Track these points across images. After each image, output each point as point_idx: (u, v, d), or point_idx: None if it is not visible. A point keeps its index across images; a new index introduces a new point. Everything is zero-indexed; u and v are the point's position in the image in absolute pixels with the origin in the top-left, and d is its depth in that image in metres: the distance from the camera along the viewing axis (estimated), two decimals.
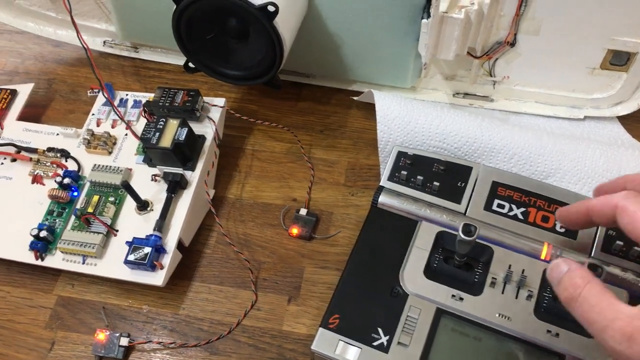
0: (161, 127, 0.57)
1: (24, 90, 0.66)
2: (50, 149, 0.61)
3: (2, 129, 0.64)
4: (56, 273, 0.57)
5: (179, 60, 0.72)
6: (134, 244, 0.53)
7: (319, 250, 0.58)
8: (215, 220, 0.59)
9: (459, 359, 0.47)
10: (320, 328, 0.49)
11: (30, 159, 0.61)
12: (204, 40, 0.59)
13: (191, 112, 0.60)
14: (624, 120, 0.66)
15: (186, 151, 0.57)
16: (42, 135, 0.63)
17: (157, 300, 0.56)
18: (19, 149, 0.61)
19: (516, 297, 0.49)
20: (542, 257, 0.52)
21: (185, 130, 0.57)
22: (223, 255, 0.58)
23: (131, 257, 0.53)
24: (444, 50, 0.61)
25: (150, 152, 0.57)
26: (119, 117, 0.62)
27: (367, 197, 0.62)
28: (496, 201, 0.55)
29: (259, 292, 0.56)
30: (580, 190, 0.57)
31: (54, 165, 0.60)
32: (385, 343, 0.48)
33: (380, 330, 0.48)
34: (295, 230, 0.59)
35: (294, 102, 0.69)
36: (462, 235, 0.47)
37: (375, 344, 0.48)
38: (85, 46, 0.63)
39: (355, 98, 0.67)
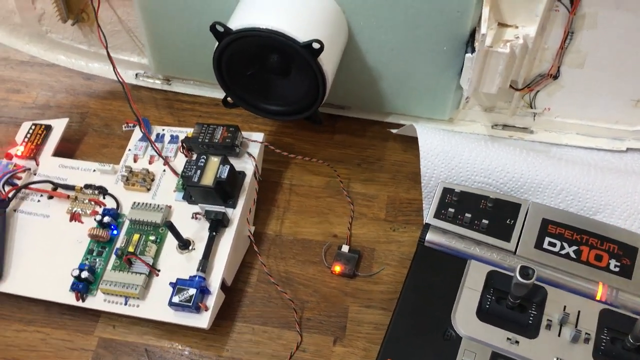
0: (202, 164, 0.56)
1: (59, 126, 0.66)
2: (87, 186, 0.60)
3: (37, 165, 0.63)
4: (97, 314, 0.56)
5: (212, 92, 0.72)
6: (178, 285, 0.52)
7: (363, 289, 0.57)
8: (255, 258, 0.58)
9: None
10: None
11: (68, 197, 0.60)
12: (244, 76, 0.58)
13: (231, 148, 0.59)
14: None
15: (227, 189, 0.56)
16: (79, 172, 0.62)
17: (200, 342, 0.54)
18: (56, 185, 0.60)
19: (573, 340, 0.48)
20: (598, 297, 0.50)
21: (227, 168, 0.56)
22: (265, 294, 0.57)
23: (176, 299, 0.51)
24: (487, 83, 0.60)
25: (192, 190, 0.57)
26: (157, 153, 0.61)
27: (409, 232, 0.61)
28: (547, 239, 0.53)
29: (304, 333, 0.54)
30: (631, 226, 0.56)
31: (92, 203, 0.59)
32: None
33: None
34: (338, 268, 0.58)
35: (330, 135, 0.68)
36: (520, 278, 0.46)
37: None
38: (122, 81, 0.62)
39: (394, 131, 0.66)
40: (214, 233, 0.55)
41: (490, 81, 0.60)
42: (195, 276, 0.53)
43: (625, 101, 0.63)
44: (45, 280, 0.55)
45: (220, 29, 0.54)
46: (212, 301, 0.52)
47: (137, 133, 0.64)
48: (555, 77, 0.61)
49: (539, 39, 0.58)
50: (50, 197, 0.60)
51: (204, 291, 0.52)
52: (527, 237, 0.53)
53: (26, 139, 0.64)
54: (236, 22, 0.54)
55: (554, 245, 0.53)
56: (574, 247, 0.53)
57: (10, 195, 0.59)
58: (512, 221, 0.54)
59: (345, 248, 0.59)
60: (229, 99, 0.61)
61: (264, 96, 0.60)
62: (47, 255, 0.57)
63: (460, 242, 0.54)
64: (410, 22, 0.58)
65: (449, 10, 0.56)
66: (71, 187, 0.60)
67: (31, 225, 0.59)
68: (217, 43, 0.55)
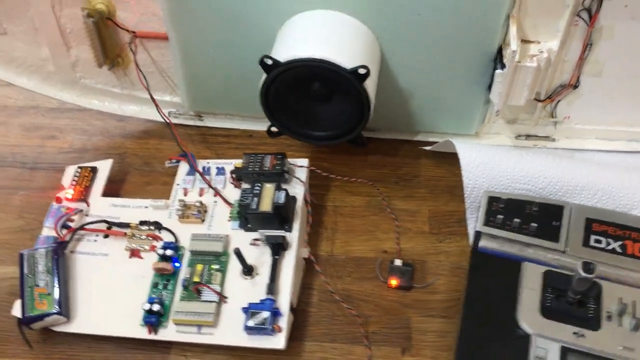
0: (257, 192, 0.58)
1: (104, 167, 0.67)
2: (142, 222, 0.62)
3: (88, 206, 0.64)
4: (168, 345, 0.57)
5: (244, 124, 0.75)
6: (251, 310, 0.54)
7: (421, 299, 0.59)
8: (313, 279, 0.61)
9: None
10: None
11: (125, 234, 0.61)
12: (288, 105, 0.61)
13: (281, 175, 0.61)
14: None
15: (284, 213, 0.58)
16: (130, 209, 0.64)
17: None
18: (111, 224, 0.62)
19: (634, 329, 0.51)
20: None
21: (283, 193, 0.58)
22: (329, 312, 0.59)
23: (251, 323, 0.53)
24: (515, 96, 0.64)
25: (250, 217, 0.58)
26: (208, 185, 0.63)
27: (455, 242, 0.64)
28: (592, 237, 0.57)
29: (372, 346, 0.56)
30: None
31: (149, 238, 0.61)
32: None
33: None
34: (394, 282, 0.60)
35: (364, 157, 0.71)
36: (583, 273, 0.49)
37: None
38: (168, 120, 0.65)
39: (427, 148, 0.69)
40: (276, 257, 0.57)
41: (519, 94, 0.63)
42: (265, 299, 0.54)
43: None
44: (113, 317, 0.56)
45: (268, 62, 0.56)
46: (284, 322, 0.54)
47: (183, 168, 0.66)
48: (575, 86, 0.65)
49: (561, 52, 0.62)
50: (106, 236, 0.62)
51: (275, 313, 0.54)
52: (574, 236, 0.57)
53: (74, 182, 0.65)
54: (282, 55, 0.57)
55: (599, 242, 0.56)
56: (619, 242, 0.56)
57: (68, 237, 0.60)
58: (558, 222, 0.58)
59: (398, 262, 0.61)
60: (272, 128, 0.64)
61: (308, 123, 0.62)
62: (112, 293, 0.58)
63: (513, 246, 0.57)
64: (441, 45, 0.61)
65: (478, 30, 0.60)
66: (126, 225, 0.62)
67: (91, 265, 0.60)
68: (264, 76, 0.58)
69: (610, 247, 0.56)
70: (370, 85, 0.58)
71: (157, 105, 0.66)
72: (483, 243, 0.57)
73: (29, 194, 0.69)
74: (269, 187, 0.58)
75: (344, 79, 0.56)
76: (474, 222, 0.63)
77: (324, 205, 0.67)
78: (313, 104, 0.61)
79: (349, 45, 0.57)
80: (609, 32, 0.60)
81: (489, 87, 0.65)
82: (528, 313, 0.52)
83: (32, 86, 0.72)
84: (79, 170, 0.66)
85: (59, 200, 0.64)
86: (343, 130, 0.62)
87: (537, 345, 0.51)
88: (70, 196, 0.64)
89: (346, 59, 0.56)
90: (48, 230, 0.62)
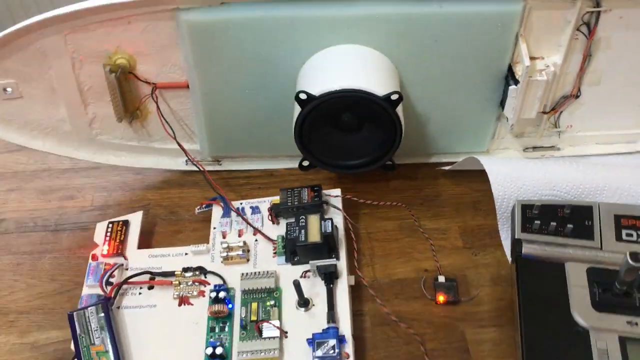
0: (303, 224, 0.60)
1: (135, 219, 0.67)
2: (185, 269, 0.61)
3: (126, 259, 0.63)
4: None
5: (262, 164, 0.76)
6: (316, 340, 0.54)
7: (470, 311, 0.61)
8: (362, 305, 0.61)
9: None
10: None
11: (171, 283, 0.61)
12: (320, 138, 0.63)
13: (320, 206, 0.63)
14: None
15: (332, 242, 0.60)
16: (170, 258, 0.63)
17: None
18: (154, 275, 0.61)
19: None
20: None
21: (329, 222, 0.59)
22: (384, 336, 0.60)
23: (319, 353, 0.53)
24: (527, 110, 0.68)
25: (300, 250, 0.59)
26: (248, 224, 0.64)
27: (490, 254, 0.66)
28: (624, 231, 0.60)
29: None
30: None
31: (196, 284, 0.60)
32: None
33: None
34: (442, 298, 0.62)
35: (385, 183, 0.73)
36: (632, 262, 0.52)
37: None
38: (202, 169, 0.66)
39: (446, 168, 0.72)
40: (331, 285, 0.58)
41: (531, 107, 0.67)
42: (328, 328, 0.55)
43: (635, 108, 0.72)
44: None
45: (303, 96, 0.58)
46: (350, 348, 0.55)
47: (216, 212, 0.67)
48: (577, 96, 0.70)
49: (564, 65, 0.66)
50: (151, 287, 0.61)
51: (341, 340, 0.54)
52: (607, 232, 0.60)
53: (107, 238, 0.65)
54: (316, 88, 0.59)
55: (630, 235, 0.60)
56: None
57: (113, 292, 0.59)
58: (590, 222, 0.61)
59: (441, 278, 0.63)
60: (304, 162, 0.65)
61: (340, 154, 0.64)
62: (168, 343, 0.57)
63: (553, 248, 0.59)
64: (455, 68, 0.65)
65: (491, 51, 0.64)
66: (171, 273, 0.61)
67: (140, 318, 0.59)
68: (297, 111, 0.60)
69: None
70: (400, 110, 0.60)
71: (186, 153, 0.67)
72: (525, 249, 0.59)
73: (57, 257, 0.68)
74: (314, 218, 0.60)
75: (377, 106, 0.59)
76: (506, 232, 0.66)
77: (357, 233, 0.68)
78: (344, 134, 0.64)
79: (377, 74, 0.60)
80: (606, 43, 0.65)
81: (501, 103, 0.68)
82: (582, 309, 0.55)
83: (47, 148, 0.71)
84: (111, 225, 0.66)
85: (95, 257, 0.63)
86: (374, 157, 0.64)
87: (597, 338, 0.53)
88: (106, 252, 0.63)
89: (377, 87, 0.58)
90: (89, 289, 0.61)
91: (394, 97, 0.58)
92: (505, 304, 0.62)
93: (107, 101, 0.67)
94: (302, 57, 0.63)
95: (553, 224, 0.60)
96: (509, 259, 0.65)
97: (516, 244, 0.60)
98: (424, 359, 0.58)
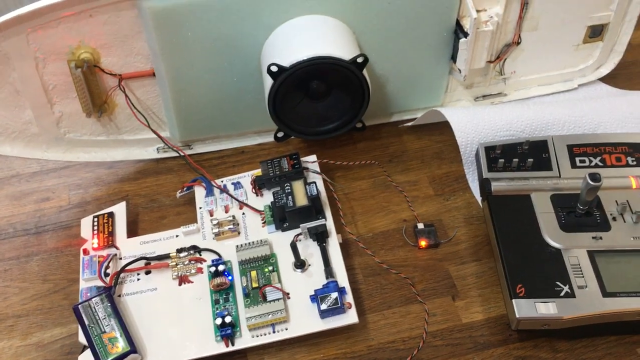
0: (289, 190, 0.63)
1: (119, 210, 0.68)
2: (180, 250, 0.63)
3: (118, 249, 0.64)
4: (243, 354, 0.59)
5: (234, 143, 0.78)
6: (319, 295, 0.57)
7: (451, 251, 0.66)
8: (351, 261, 0.65)
9: (627, 278, 0.57)
10: (514, 300, 0.56)
11: (168, 265, 0.62)
12: (292, 109, 0.66)
13: (300, 172, 0.66)
14: (604, 80, 0.82)
15: (318, 204, 0.63)
16: (162, 242, 0.65)
17: (345, 341, 0.60)
18: (150, 259, 0.63)
19: (636, 222, 0.61)
20: (634, 187, 0.64)
21: (313, 185, 0.63)
22: (377, 285, 0.64)
23: (324, 306, 0.57)
24: (477, 60, 0.73)
25: (289, 215, 0.62)
26: (234, 199, 0.66)
27: (460, 197, 0.71)
28: (577, 159, 0.66)
29: (426, 301, 0.62)
30: (623, 129, 0.70)
31: (193, 262, 0.62)
32: (569, 291, 0.56)
33: (558, 283, 0.57)
34: (423, 243, 0.66)
35: (353, 146, 0.77)
36: (592, 182, 0.58)
37: (562, 294, 0.56)
38: (182, 153, 0.67)
39: (409, 124, 0.77)
40: (323, 244, 0.61)
41: (480, 57, 0.73)
42: (328, 283, 0.58)
43: (569, 48, 0.79)
44: (185, 343, 0.57)
45: (274, 68, 0.61)
46: (351, 298, 0.58)
47: (199, 192, 0.68)
48: (518, 43, 0.75)
49: (505, 14, 0.72)
50: (148, 272, 0.63)
51: (341, 292, 0.58)
52: (563, 162, 0.66)
53: (95, 231, 0.65)
54: (285, 60, 0.62)
55: (583, 161, 0.66)
56: (599, 158, 0.66)
57: (114, 281, 0.61)
58: (547, 154, 0.67)
59: (420, 225, 0.68)
60: (279, 134, 0.68)
61: (312, 121, 0.67)
62: (175, 321, 0.59)
63: (518, 182, 0.65)
64: (408, 28, 0.69)
65: (440, 7, 0.68)
66: (166, 256, 0.63)
67: (144, 302, 0.61)
68: (270, 84, 0.62)
69: (593, 163, 0.66)
70: (365, 72, 0.64)
71: (161, 138, 0.68)
72: (494, 186, 0.65)
73: (44, 258, 0.68)
74: (298, 184, 0.63)
75: (345, 70, 0.62)
76: (472, 175, 0.71)
77: (333, 195, 0.71)
78: (313, 102, 0.67)
79: (340, 41, 0.63)
80: None
81: (452, 57, 0.73)
82: (551, 232, 0.61)
83: (16, 152, 0.70)
84: (96, 219, 0.66)
85: (86, 252, 0.64)
86: (345, 120, 0.67)
87: (568, 255, 0.59)
88: (97, 245, 0.64)
89: (343, 52, 0.62)
90: (86, 283, 0.62)
91: (360, 59, 0.62)
92: (481, 239, 0.67)
93: (74, 98, 0.68)
94: (265, 32, 0.65)
95: (515, 160, 0.66)
96: (478, 199, 0.70)
97: (485, 183, 0.65)
98: (417, 299, 0.62)
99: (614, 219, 0.61)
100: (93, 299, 0.58)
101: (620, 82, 0.82)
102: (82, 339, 0.58)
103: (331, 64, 0.61)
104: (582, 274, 0.58)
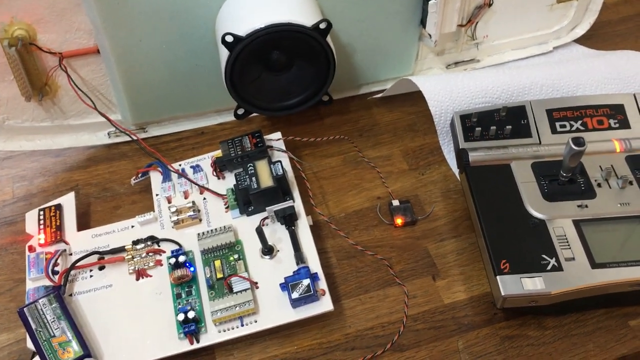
0: (252, 171, 0.58)
1: (68, 201, 0.62)
2: (136, 242, 0.58)
3: (67, 244, 0.59)
4: (210, 351, 0.54)
5: (192, 124, 0.72)
6: (290, 283, 0.53)
7: (429, 228, 0.62)
8: (323, 244, 0.61)
9: (616, 248, 0.54)
10: (498, 276, 0.53)
11: (123, 258, 0.57)
12: (252, 83, 0.61)
13: (264, 151, 0.61)
14: (579, 41, 0.78)
15: (284, 184, 0.58)
16: (116, 234, 0.60)
17: (321, 331, 0.55)
18: (103, 254, 0.58)
19: (622, 187, 0.57)
20: (617, 150, 0.61)
21: (278, 164, 0.58)
22: (352, 268, 0.59)
23: (295, 295, 0.52)
24: (447, 23, 0.68)
25: (254, 197, 0.57)
26: (193, 183, 0.61)
27: (436, 170, 0.67)
28: (557, 124, 0.63)
29: (405, 282, 0.58)
30: (602, 91, 0.67)
31: (151, 254, 0.57)
32: (556, 264, 0.53)
33: (544, 256, 0.54)
34: (399, 220, 0.62)
35: (320, 122, 0.72)
36: (575, 147, 0.54)
37: (549, 268, 0.53)
38: (135, 136, 0.62)
39: (378, 96, 0.72)
40: (292, 227, 0.57)
41: (450, 20, 0.68)
42: (299, 268, 0.54)
43: (542, 9, 0.75)
44: (145, 343, 0.53)
45: (229, 38, 0.56)
46: (324, 283, 0.54)
47: (155, 178, 0.63)
48: (490, 5, 0.71)
49: None
50: (102, 268, 0.57)
51: (314, 278, 0.54)
52: (543, 127, 0.62)
53: (41, 226, 0.60)
54: (241, 29, 0.56)
55: (564, 126, 0.63)
56: (580, 122, 0.63)
57: (63, 279, 0.55)
58: (525, 120, 0.63)
59: (395, 202, 0.63)
60: (239, 111, 0.63)
61: (274, 96, 0.62)
62: (134, 320, 0.54)
63: (497, 151, 0.61)
64: None
65: None
66: (120, 249, 0.58)
67: (98, 300, 0.55)
68: (226, 55, 0.57)
69: (574, 128, 0.62)
70: (329, 40, 0.59)
71: (110, 121, 0.62)
72: (472, 157, 0.61)
73: None
74: (262, 163, 0.58)
75: (307, 38, 0.57)
76: (447, 146, 0.67)
77: (300, 175, 0.67)
78: (275, 75, 0.61)
79: (299, 6, 0.58)
80: None
81: (421, 22, 0.69)
82: (534, 202, 0.57)
83: None
84: (42, 212, 0.61)
85: (32, 249, 0.59)
86: (310, 93, 0.63)
87: (553, 226, 0.55)
88: (43, 241, 0.59)
89: (304, 18, 0.57)
90: (33, 282, 0.57)
91: (323, 25, 0.57)
92: (460, 214, 0.63)
93: (11, 80, 0.62)
94: (217, 2, 0.60)
95: (493, 128, 0.62)
96: (455, 171, 0.66)
97: (462, 154, 0.61)
98: (395, 281, 0.58)
99: (599, 185, 0.58)
100: (40, 300, 0.53)
101: (595, 43, 0.79)
102: (30, 345, 0.52)
103: (292, 31, 0.56)
104: (568, 245, 0.54)
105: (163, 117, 0.71)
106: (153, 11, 0.59)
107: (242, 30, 0.56)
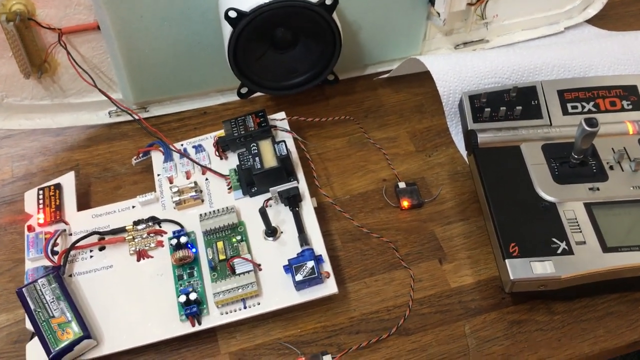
0: (256, 151, 0.56)
1: (67, 181, 0.61)
2: (137, 222, 0.57)
3: (67, 224, 0.58)
4: (212, 333, 0.53)
5: (194, 104, 0.71)
6: (293, 265, 0.52)
7: (435, 211, 0.61)
8: (328, 226, 0.60)
9: (628, 231, 0.52)
10: (507, 260, 0.51)
11: (124, 239, 0.56)
12: (256, 61, 0.59)
13: (267, 131, 0.59)
14: (592, 21, 0.77)
15: (288, 165, 0.57)
16: (117, 214, 0.58)
17: (325, 314, 0.54)
18: (103, 234, 0.56)
19: (635, 170, 0.56)
20: (630, 132, 0.59)
21: (282, 145, 0.56)
22: (357, 251, 0.58)
23: (299, 277, 0.51)
24: (456, 2, 0.67)
25: (257, 178, 0.56)
26: (196, 163, 0.59)
27: (443, 153, 0.65)
28: (568, 105, 0.61)
29: (411, 266, 0.57)
30: (615, 72, 0.65)
31: (152, 235, 0.56)
32: (566, 248, 0.52)
33: (555, 239, 0.52)
34: (406, 203, 0.61)
35: (325, 102, 0.71)
36: (588, 128, 0.52)
37: (559, 251, 0.51)
38: (137, 116, 0.60)
39: (384, 76, 0.71)
40: (296, 209, 0.55)
41: None
42: (303, 250, 0.53)
43: None
44: (146, 324, 0.52)
45: (233, 14, 0.54)
46: (329, 267, 0.53)
47: (157, 158, 0.62)
48: None
49: None
50: (102, 248, 0.56)
51: (318, 260, 0.53)
52: (554, 109, 0.61)
53: (41, 205, 0.59)
54: (245, 4, 0.55)
55: (576, 107, 0.61)
56: (592, 103, 0.61)
57: (63, 259, 0.54)
58: (536, 101, 0.61)
59: (402, 184, 0.62)
60: (242, 90, 0.61)
61: (278, 74, 0.61)
62: (135, 301, 0.53)
63: (506, 133, 0.59)
64: None
65: None
66: (121, 230, 0.56)
67: (98, 281, 0.54)
68: (229, 32, 0.56)
69: (586, 109, 0.61)
70: (335, 16, 0.57)
71: (111, 99, 0.61)
72: (480, 138, 0.59)
73: None
74: (265, 143, 0.56)
75: (312, 14, 0.55)
76: (455, 127, 0.66)
77: (305, 156, 0.65)
78: (279, 53, 0.60)
79: None
80: None
81: (430, 0, 0.67)
82: (544, 185, 0.56)
83: None
84: (41, 192, 0.59)
85: (31, 228, 0.57)
86: (315, 72, 0.61)
87: (564, 209, 0.54)
88: (43, 221, 0.58)
89: None
90: (32, 263, 0.56)
91: (329, 1, 0.55)
92: (467, 197, 0.62)
93: (9, 57, 0.60)
94: None
95: (502, 109, 0.60)
96: (463, 153, 0.64)
97: (470, 135, 0.60)
98: (401, 264, 0.57)
99: (611, 167, 0.56)
100: (39, 280, 0.52)
101: (608, 23, 0.77)
102: (29, 326, 0.51)
103: (297, 7, 0.54)
104: (579, 228, 0.53)
105: (165, 97, 0.69)
106: None
107: (246, 6, 0.54)
